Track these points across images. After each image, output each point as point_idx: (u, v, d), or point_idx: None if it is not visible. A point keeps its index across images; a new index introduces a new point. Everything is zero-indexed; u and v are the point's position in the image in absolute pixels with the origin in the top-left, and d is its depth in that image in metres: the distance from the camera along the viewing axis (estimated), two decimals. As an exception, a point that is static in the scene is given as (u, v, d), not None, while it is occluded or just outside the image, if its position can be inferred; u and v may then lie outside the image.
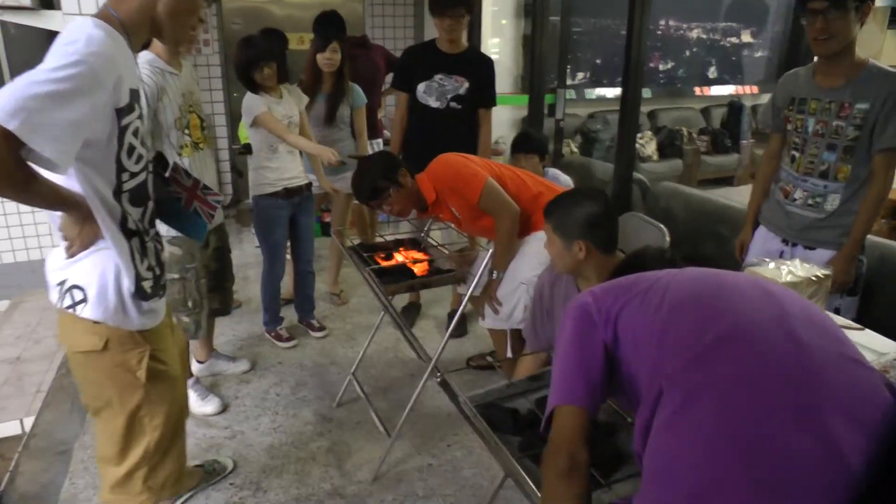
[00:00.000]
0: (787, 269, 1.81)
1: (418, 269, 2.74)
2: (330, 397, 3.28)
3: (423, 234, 3.08)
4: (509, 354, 2.90)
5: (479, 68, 3.54)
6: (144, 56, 2.53)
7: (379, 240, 3.33)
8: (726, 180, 7.82)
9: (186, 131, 2.69)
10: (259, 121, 3.29)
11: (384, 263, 2.71)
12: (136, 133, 1.47)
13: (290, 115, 3.39)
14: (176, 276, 2.81)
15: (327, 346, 3.79)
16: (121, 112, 1.40)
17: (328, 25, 3.73)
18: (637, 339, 1.24)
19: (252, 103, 3.29)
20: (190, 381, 3.13)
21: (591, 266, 2.08)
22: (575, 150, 6.85)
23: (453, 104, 3.52)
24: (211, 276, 3.03)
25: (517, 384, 1.86)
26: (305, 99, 3.54)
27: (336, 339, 3.87)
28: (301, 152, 3.53)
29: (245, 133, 4.02)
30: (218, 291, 3.15)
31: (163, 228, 2.76)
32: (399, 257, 2.81)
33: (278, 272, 3.64)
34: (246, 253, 5.16)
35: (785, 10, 8.37)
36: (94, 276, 1.56)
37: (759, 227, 2.81)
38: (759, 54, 8.51)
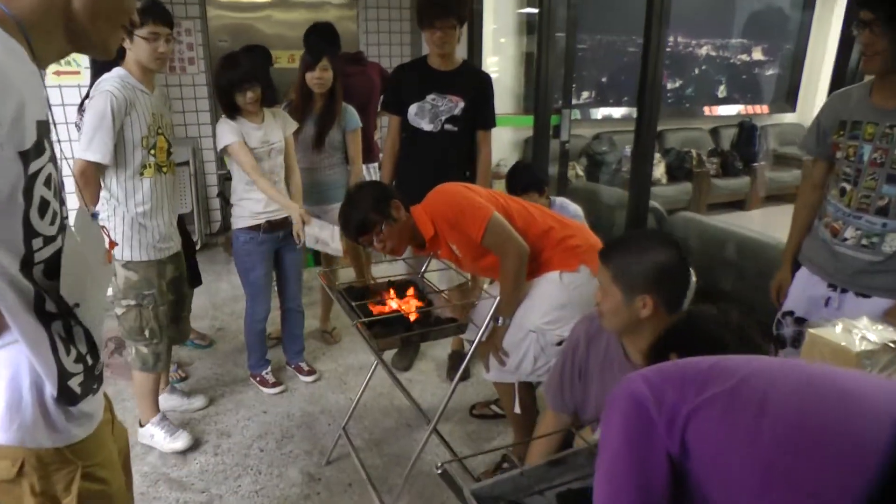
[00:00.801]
0: (860, 335, 1.50)
1: (415, 317, 2.46)
2: (319, 452, 2.97)
3: (419, 276, 2.80)
4: (517, 409, 2.56)
5: (475, 85, 3.24)
6: (116, 72, 2.48)
7: (372, 281, 3.04)
8: (737, 204, 7.53)
9: (152, 152, 2.55)
10: (229, 152, 3.02)
11: (377, 310, 2.42)
12: (48, 182, 1.02)
13: (271, 141, 3.09)
14: (132, 302, 2.63)
15: (317, 392, 3.48)
16: (26, 155, 0.96)
17: (319, 40, 3.46)
18: (721, 463, 0.93)
19: (223, 131, 3.01)
20: (157, 418, 2.91)
21: (650, 326, 1.74)
22: (580, 173, 6.57)
23: (448, 126, 3.21)
24: (168, 306, 2.80)
25: (533, 473, 1.55)
26: (293, 124, 3.24)
27: (327, 384, 3.56)
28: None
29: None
30: (175, 322, 2.94)
31: (115, 252, 2.47)
32: (392, 303, 2.52)
33: (261, 312, 3.33)
34: (234, 285, 4.80)
35: (797, 27, 8.11)
36: None
37: (800, 267, 2.47)
38: (769, 72, 8.23)
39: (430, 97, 3.20)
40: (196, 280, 3.59)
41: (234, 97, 2.96)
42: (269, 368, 3.49)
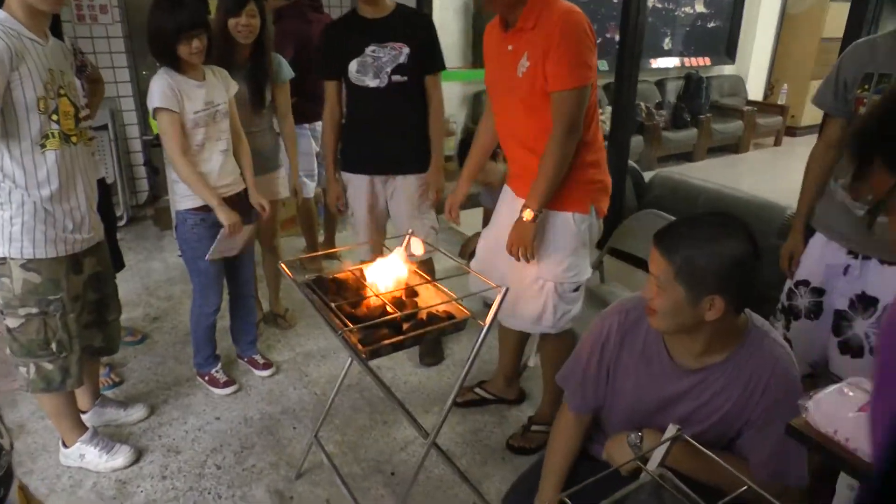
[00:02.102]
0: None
1: (401, 312, 1.97)
2: (286, 464, 2.48)
3: (405, 251, 2.30)
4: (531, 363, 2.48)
5: (416, 27, 2.74)
6: None
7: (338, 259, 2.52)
8: (685, 156, 7.34)
9: (54, 117, 1.94)
10: (157, 117, 2.43)
11: (361, 312, 1.91)
12: None
13: (216, 101, 2.52)
14: (34, 310, 2.06)
15: (276, 389, 2.96)
16: None
17: None
18: None
19: (158, 88, 2.40)
20: (86, 436, 2.38)
21: (708, 329, 1.45)
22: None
23: (396, 77, 2.71)
24: (89, 309, 2.26)
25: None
26: (234, 84, 2.65)
27: (286, 377, 3.05)
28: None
29: (157, 121, 3.10)
30: (99, 327, 2.37)
31: (12, 249, 1.92)
32: (370, 295, 2.02)
33: (212, 304, 2.77)
34: (169, 265, 4.21)
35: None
36: None
37: (814, 234, 2.19)
38: (710, 24, 7.95)
39: (369, 49, 2.69)
40: (117, 264, 2.98)
41: (176, 46, 2.36)
42: (220, 365, 2.95)
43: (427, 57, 2.76)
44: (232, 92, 2.61)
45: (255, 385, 2.98)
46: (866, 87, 1.97)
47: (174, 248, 4.32)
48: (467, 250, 3.58)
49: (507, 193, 2.42)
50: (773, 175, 7.16)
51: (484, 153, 2.59)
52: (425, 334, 1.87)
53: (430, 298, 2.10)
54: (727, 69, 8.24)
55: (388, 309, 1.94)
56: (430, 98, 2.83)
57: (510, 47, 2.11)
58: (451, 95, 5.53)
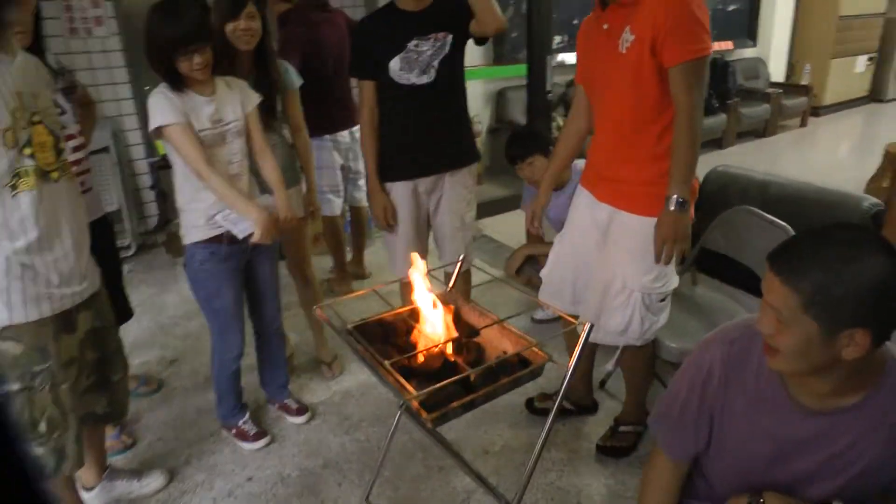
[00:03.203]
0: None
1: (464, 358, 1.55)
2: (334, 532, 2.05)
3: (448, 290, 1.87)
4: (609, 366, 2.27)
5: (456, 11, 2.34)
6: None
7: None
8: (715, 143, 6.89)
9: (27, 151, 1.51)
10: (166, 136, 2.01)
11: (419, 362, 1.49)
12: None
13: (226, 119, 2.09)
14: (16, 386, 1.62)
15: (314, 437, 2.52)
16: None
17: None
18: None
19: (158, 105, 1.98)
20: None
21: (843, 370, 1.15)
22: (563, 124, 5.66)
23: (444, 69, 2.39)
24: (89, 371, 1.84)
25: None
26: (255, 96, 2.22)
27: (324, 423, 2.61)
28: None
29: (163, 142, 2.65)
30: (102, 390, 1.94)
31: None
32: (424, 343, 1.60)
33: (234, 349, 2.34)
34: (185, 297, 3.71)
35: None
36: None
37: None
38: (731, 7, 7.52)
39: (411, 44, 2.35)
40: (123, 313, 2.55)
41: (175, 62, 1.94)
42: (248, 415, 2.50)
43: (467, 37, 2.43)
44: (251, 105, 2.19)
45: (290, 435, 2.54)
46: None
47: (188, 277, 3.87)
48: (514, 266, 3.13)
49: (582, 196, 2.16)
50: (805, 157, 6.79)
51: (572, 154, 2.34)
52: (498, 390, 1.46)
53: (495, 338, 1.69)
54: (748, 52, 7.82)
55: (449, 357, 1.54)
56: None
57: (606, 26, 1.90)
58: (475, 94, 5.10)
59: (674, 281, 2.05)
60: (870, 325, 1.07)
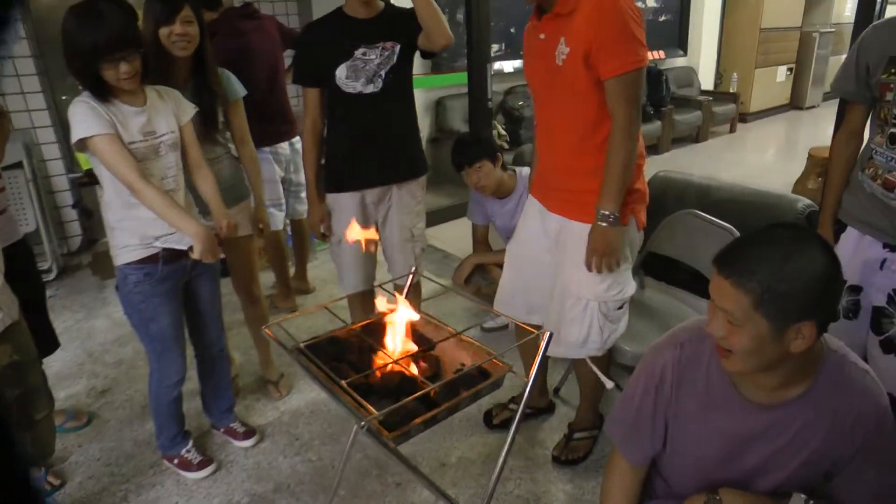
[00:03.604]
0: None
1: (421, 373, 1.50)
2: (290, 562, 1.93)
3: (399, 296, 1.80)
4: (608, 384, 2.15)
5: (406, 22, 2.31)
6: None
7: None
8: (651, 149, 7.09)
9: None
10: (91, 149, 1.86)
11: (366, 379, 1.41)
12: None
13: (159, 132, 1.96)
14: None
15: (264, 460, 2.39)
16: None
17: None
18: None
19: (80, 115, 1.82)
20: None
21: (790, 363, 1.21)
22: (503, 132, 5.66)
23: (391, 79, 2.34)
24: (9, 410, 1.72)
25: None
26: (190, 107, 2.10)
27: (273, 445, 2.48)
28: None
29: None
30: (25, 429, 1.82)
31: None
32: (382, 355, 1.53)
33: (173, 375, 2.19)
34: (116, 321, 3.54)
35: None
36: None
37: (845, 228, 2.02)
38: (662, 18, 7.75)
39: (359, 52, 2.29)
40: (48, 344, 2.37)
41: (99, 70, 1.80)
42: (191, 444, 2.35)
43: (415, 48, 2.38)
44: (186, 117, 2.06)
45: (238, 459, 2.40)
46: (892, 70, 1.80)
47: (118, 301, 3.64)
48: (463, 275, 3.08)
49: (532, 207, 2.15)
50: (735, 161, 7.08)
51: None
52: (460, 403, 1.41)
53: (451, 350, 1.65)
54: (679, 61, 8.10)
55: (407, 372, 1.49)
56: None
57: (542, 36, 1.89)
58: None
59: (630, 288, 2.04)
60: (815, 316, 1.13)
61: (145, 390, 2.34)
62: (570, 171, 1.93)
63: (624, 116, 1.76)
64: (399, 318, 1.63)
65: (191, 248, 1.94)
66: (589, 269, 1.90)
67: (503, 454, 1.53)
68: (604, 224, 1.83)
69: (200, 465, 2.31)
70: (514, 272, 2.22)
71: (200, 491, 2.25)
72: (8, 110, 2.35)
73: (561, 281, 2.03)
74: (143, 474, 2.35)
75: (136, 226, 1.97)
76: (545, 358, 2.15)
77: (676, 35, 7.98)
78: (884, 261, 1.86)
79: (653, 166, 3.12)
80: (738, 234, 2.11)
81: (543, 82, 1.93)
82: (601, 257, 1.87)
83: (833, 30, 9.45)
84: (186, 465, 2.31)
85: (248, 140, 2.51)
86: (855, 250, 1.94)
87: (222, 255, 2.09)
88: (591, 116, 1.83)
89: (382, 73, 2.31)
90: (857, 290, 1.93)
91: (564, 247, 2.01)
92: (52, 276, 4.06)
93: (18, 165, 3.75)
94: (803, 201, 2.54)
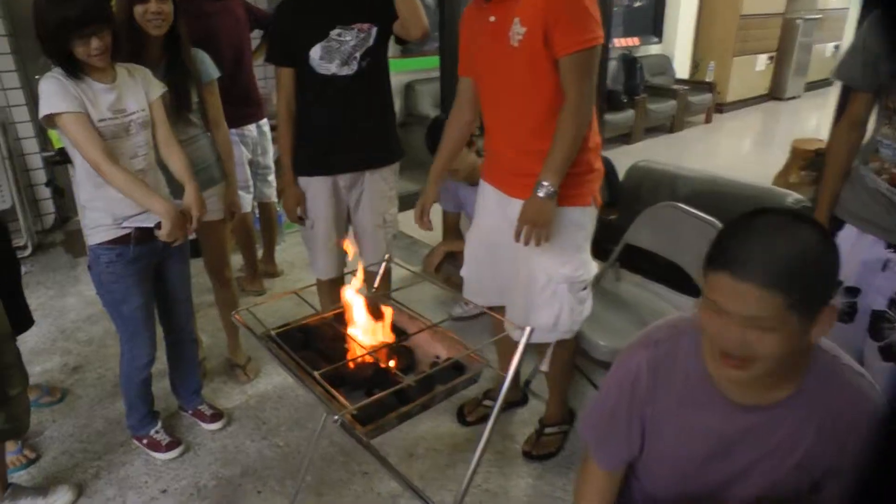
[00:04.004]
0: None
1: (395, 365, 1.54)
2: (255, 543, 2.04)
3: (373, 291, 1.88)
4: (544, 367, 2.25)
5: (384, 4, 2.28)
6: None
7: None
8: (623, 138, 7.09)
9: None
10: (59, 126, 1.89)
11: (339, 369, 1.47)
12: None
13: (129, 110, 1.99)
14: None
15: (231, 443, 2.47)
16: None
17: None
18: None
19: (49, 91, 1.85)
20: None
21: (786, 361, 1.08)
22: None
23: (366, 62, 2.33)
24: None
25: None
26: (159, 85, 2.12)
27: (240, 428, 2.56)
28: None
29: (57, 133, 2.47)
30: None
31: None
32: (354, 345, 1.59)
33: (143, 356, 2.25)
34: (88, 299, 3.58)
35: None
36: None
37: (843, 226, 1.88)
38: (637, 4, 7.71)
39: (334, 33, 2.28)
40: (22, 321, 2.43)
41: (69, 45, 1.83)
42: (160, 424, 2.43)
43: (391, 32, 2.36)
44: (154, 94, 2.09)
45: (205, 442, 2.48)
46: None
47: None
48: (433, 262, 3.16)
49: (489, 193, 2.13)
50: (710, 152, 7.07)
51: (457, 148, 2.31)
52: (434, 398, 1.46)
53: (425, 341, 1.70)
54: (654, 49, 8.06)
55: (380, 363, 1.53)
56: None
57: (492, 18, 1.87)
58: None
59: (592, 268, 2.07)
60: (831, 298, 1.04)
61: (116, 369, 2.41)
62: (529, 154, 1.90)
63: (576, 92, 1.76)
64: (371, 306, 1.66)
65: (158, 226, 1.97)
66: (516, 239, 1.87)
67: (478, 453, 1.51)
68: (542, 195, 1.80)
69: (169, 447, 2.38)
70: (477, 261, 2.22)
71: (168, 472, 2.32)
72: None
73: (527, 266, 2.01)
74: (113, 452, 2.42)
75: (106, 205, 2.00)
76: (524, 354, 2.21)
77: (651, 21, 7.92)
78: (886, 262, 1.76)
79: (625, 156, 3.19)
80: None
81: (495, 66, 1.90)
82: (532, 228, 1.84)
83: (820, 16, 9.25)
84: (155, 446, 2.38)
85: (223, 122, 2.55)
86: (853, 250, 1.82)
87: (192, 236, 2.15)
88: (549, 97, 1.82)
89: (357, 55, 2.29)
90: (854, 291, 1.84)
91: None
92: (27, 252, 4.09)
93: (-8, 143, 3.78)
94: (793, 196, 2.47)
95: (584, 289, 2.07)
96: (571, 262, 1.98)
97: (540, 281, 2.00)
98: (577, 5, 1.72)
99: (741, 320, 1.03)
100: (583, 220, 1.98)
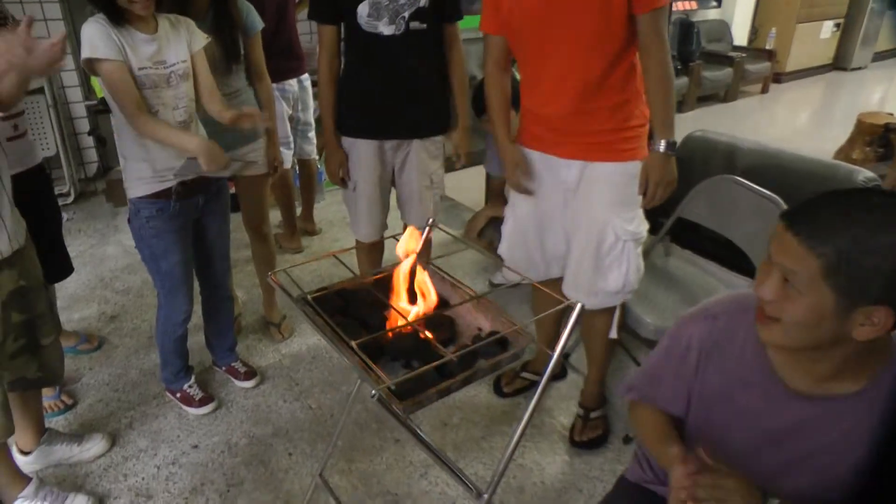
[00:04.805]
0: None
1: (435, 336, 1.47)
2: (284, 502, 2.02)
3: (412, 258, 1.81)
4: (614, 334, 2.14)
5: None
6: None
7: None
8: (677, 105, 6.84)
9: None
10: (98, 71, 1.84)
11: (377, 338, 1.41)
12: None
13: (168, 61, 1.93)
14: None
15: (263, 403, 2.47)
16: None
17: None
18: None
19: (92, 35, 1.80)
20: (29, 489, 1.87)
21: (846, 352, 1.03)
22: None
23: (415, 24, 2.19)
24: (15, 335, 1.75)
25: None
26: (201, 36, 2.04)
27: (273, 387, 2.55)
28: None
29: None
30: (32, 354, 1.84)
31: None
32: (394, 313, 1.52)
33: (180, 313, 2.23)
34: (127, 249, 3.60)
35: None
36: None
37: None
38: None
39: None
40: (60, 270, 2.43)
41: None
42: (193, 379, 2.43)
43: (448, 1, 2.24)
44: (197, 45, 2.02)
45: (238, 400, 2.48)
46: None
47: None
48: (476, 228, 3.09)
49: (545, 161, 2.01)
50: (766, 124, 6.83)
51: (507, 110, 2.11)
52: (476, 374, 1.39)
53: (466, 312, 1.62)
54: (712, 13, 7.76)
55: (420, 333, 1.46)
56: (451, 51, 2.32)
57: None
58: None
59: (645, 222, 2.02)
60: (893, 303, 0.95)
61: (151, 320, 2.41)
62: (591, 111, 1.85)
63: (662, 48, 1.76)
64: (413, 272, 1.55)
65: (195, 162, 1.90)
66: (650, 202, 1.90)
67: (518, 433, 1.37)
68: (666, 151, 1.83)
69: (202, 402, 2.38)
70: (524, 235, 2.13)
71: (201, 427, 2.32)
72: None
73: (594, 227, 1.94)
74: (147, 403, 2.43)
75: (147, 155, 1.96)
76: (555, 314, 2.13)
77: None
78: None
79: (678, 126, 3.03)
80: (784, 206, 1.99)
81: (549, 18, 1.79)
82: (666, 187, 1.88)
83: (896, -21, 8.72)
84: (188, 401, 2.39)
85: (266, 75, 2.48)
86: None
87: (227, 172, 2.05)
88: (614, 52, 1.78)
89: (406, 14, 2.17)
90: None
91: (589, 191, 1.94)
92: (69, 199, 4.14)
93: (40, 91, 3.80)
94: (864, 173, 2.25)
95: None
96: (636, 217, 1.94)
97: (608, 240, 1.94)
98: None
99: (780, 270, 1.01)
100: (638, 172, 1.92)
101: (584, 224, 1.96)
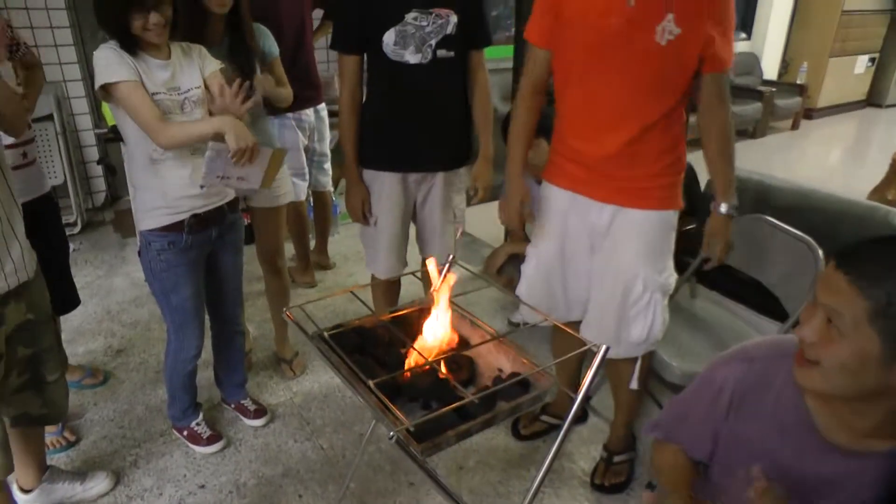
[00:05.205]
0: None
1: (454, 376, 1.49)
2: (293, 549, 2.04)
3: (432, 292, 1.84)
4: (634, 384, 2.13)
5: None
6: None
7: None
8: (696, 143, 6.82)
9: None
10: (115, 96, 1.90)
11: (395, 378, 1.44)
12: None
13: (182, 87, 2.00)
14: None
15: (273, 442, 2.49)
16: None
17: None
18: None
19: (106, 61, 1.86)
20: None
21: (891, 404, 1.04)
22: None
23: (442, 52, 2.22)
24: (20, 369, 1.78)
25: None
26: (214, 62, 2.12)
27: (284, 426, 2.58)
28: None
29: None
30: (36, 390, 1.87)
31: None
32: (412, 352, 1.55)
33: (191, 349, 2.27)
34: (135, 281, 3.68)
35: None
36: None
37: None
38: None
39: (410, 16, 2.17)
40: (68, 301, 2.48)
41: (127, 18, 1.84)
42: (201, 416, 2.46)
43: (476, 27, 2.29)
44: (210, 69, 2.08)
45: (247, 438, 2.50)
46: None
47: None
48: (495, 264, 3.12)
49: (559, 199, 2.03)
50: (795, 161, 6.81)
51: (532, 135, 2.11)
52: (497, 416, 1.42)
53: (486, 352, 1.65)
54: (742, 45, 7.85)
55: (439, 373, 1.49)
56: (476, 78, 2.36)
57: (632, 2, 1.68)
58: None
59: (675, 274, 2.04)
60: None
61: (159, 354, 2.44)
62: (634, 155, 1.84)
63: (728, 110, 1.86)
64: (432, 311, 1.59)
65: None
66: (717, 262, 2.00)
67: (538, 479, 1.43)
68: (727, 212, 1.92)
69: (210, 440, 2.41)
70: (547, 274, 2.12)
71: (209, 466, 2.35)
72: (41, 62, 2.45)
73: (619, 275, 1.94)
74: (153, 441, 2.46)
75: (160, 184, 2.00)
76: (578, 358, 2.15)
77: (741, 16, 7.68)
78: None
79: (703, 161, 3.06)
80: (817, 247, 2.04)
81: (615, 55, 1.75)
82: (726, 247, 1.96)
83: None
84: (195, 439, 2.41)
85: (287, 83, 2.55)
86: None
87: (256, 185, 2.06)
88: (673, 103, 1.80)
89: (433, 42, 2.20)
90: None
91: (619, 237, 1.93)
92: (76, 229, 4.23)
93: (49, 118, 3.91)
94: (894, 213, 2.31)
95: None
96: (667, 268, 1.97)
97: (636, 290, 1.93)
98: (732, 18, 1.74)
99: (825, 311, 1.02)
100: (675, 222, 1.96)
101: (613, 271, 1.96)
